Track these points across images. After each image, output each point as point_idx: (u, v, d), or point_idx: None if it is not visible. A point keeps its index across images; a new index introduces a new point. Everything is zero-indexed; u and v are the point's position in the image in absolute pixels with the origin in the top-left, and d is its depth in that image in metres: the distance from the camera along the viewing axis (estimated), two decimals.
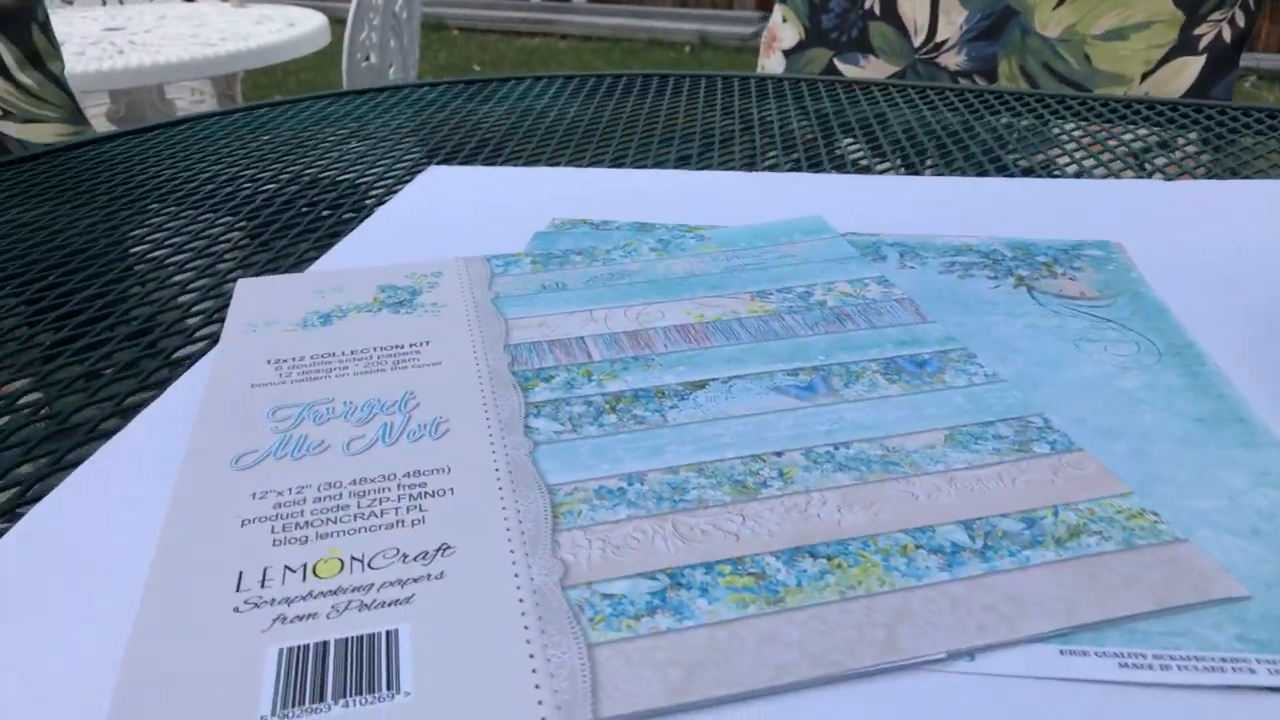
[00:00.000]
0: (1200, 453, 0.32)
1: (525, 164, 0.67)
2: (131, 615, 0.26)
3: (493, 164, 0.67)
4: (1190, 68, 0.92)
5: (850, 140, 0.71)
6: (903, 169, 0.65)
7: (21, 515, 0.31)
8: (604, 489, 0.31)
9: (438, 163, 0.68)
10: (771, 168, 0.65)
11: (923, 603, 0.26)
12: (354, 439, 0.34)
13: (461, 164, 0.67)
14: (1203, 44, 0.91)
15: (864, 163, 0.66)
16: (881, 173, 0.64)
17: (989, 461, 0.32)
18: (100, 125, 1.74)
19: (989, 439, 0.33)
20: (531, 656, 0.24)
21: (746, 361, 0.38)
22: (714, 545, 0.28)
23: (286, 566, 0.28)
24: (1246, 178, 0.61)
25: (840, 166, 0.65)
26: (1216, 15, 0.91)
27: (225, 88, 1.95)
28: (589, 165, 0.66)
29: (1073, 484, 0.31)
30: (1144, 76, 0.93)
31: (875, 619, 0.25)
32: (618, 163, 0.67)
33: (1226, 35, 0.91)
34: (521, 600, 0.26)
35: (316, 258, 0.52)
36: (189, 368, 0.40)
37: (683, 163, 0.66)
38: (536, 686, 0.23)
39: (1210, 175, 0.64)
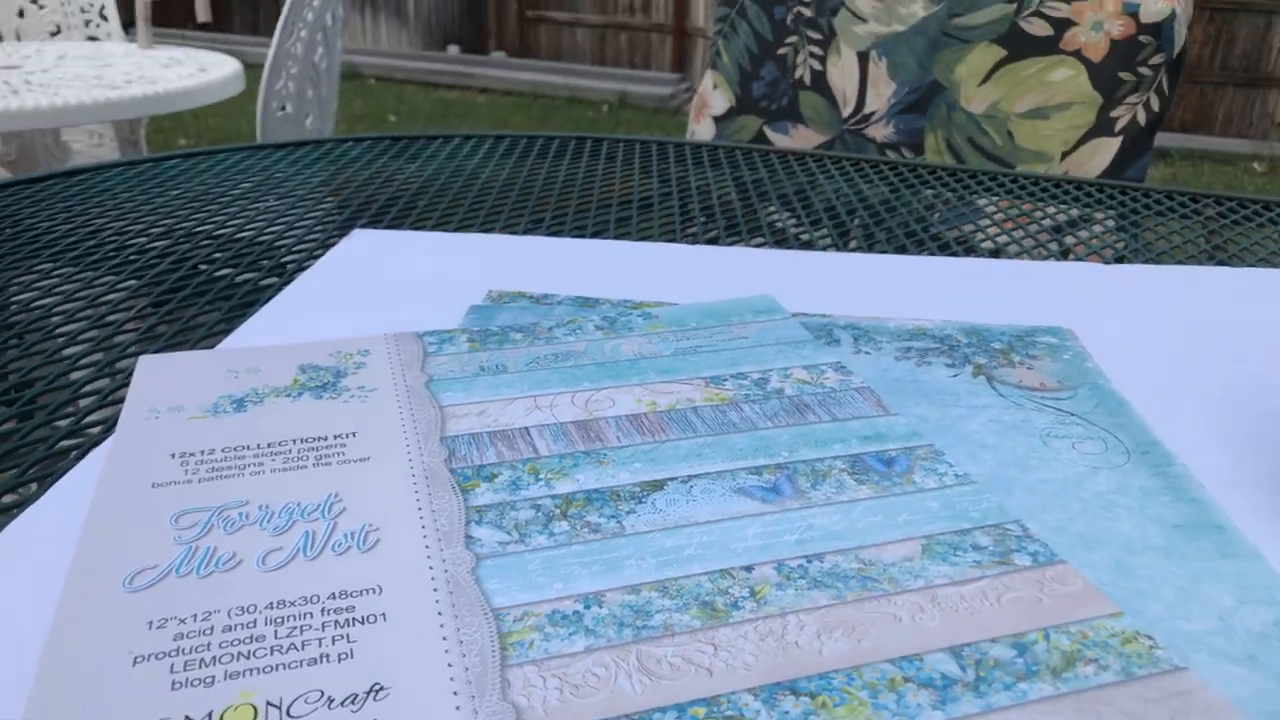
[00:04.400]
0: (1183, 566, 0.31)
1: (455, 228, 0.64)
2: None
3: (420, 227, 0.64)
4: (1107, 149, 0.94)
5: (781, 210, 0.70)
6: (831, 241, 0.64)
7: None
8: (558, 614, 0.27)
9: (362, 225, 0.64)
10: (703, 237, 0.63)
11: None
12: (271, 551, 0.30)
13: (387, 227, 0.64)
14: (1118, 126, 0.94)
15: (796, 234, 0.65)
16: (810, 244, 0.63)
17: (971, 576, 0.30)
18: None
19: (968, 550, 0.31)
20: None
21: (706, 457, 0.35)
22: (685, 683, 0.25)
23: (188, 717, 0.24)
24: (1179, 263, 0.62)
25: (778, 239, 0.64)
26: (1132, 99, 0.94)
27: (128, 133, 1.86)
28: (523, 231, 0.63)
29: (1061, 603, 0.29)
30: (1064, 155, 0.96)
31: None
32: (555, 229, 0.64)
33: (1141, 119, 0.94)
34: None
35: (229, 330, 0.47)
36: (77, 461, 0.35)
37: (622, 229, 0.64)
38: None
39: (1128, 256, 0.64)
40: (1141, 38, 0.93)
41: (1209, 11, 6.13)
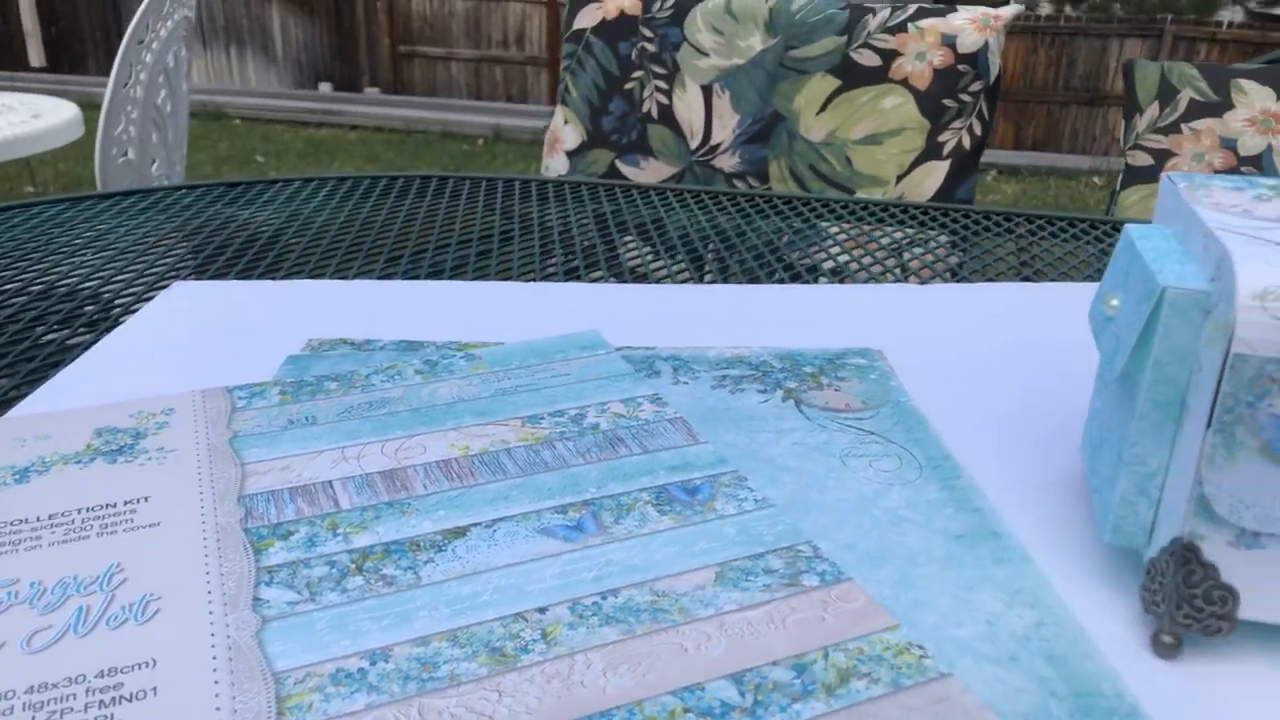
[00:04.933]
0: (960, 574, 0.32)
1: (286, 276, 0.62)
2: None
3: (249, 276, 0.62)
4: (937, 171, 0.99)
5: (631, 242, 0.71)
6: (685, 272, 0.65)
7: None
8: (342, 672, 0.27)
9: (188, 276, 0.62)
10: (555, 273, 0.64)
11: None
12: (38, 631, 0.28)
13: (214, 277, 0.62)
14: (946, 150, 1.00)
15: (646, 268, 0.66)
16: (662, 277, 0.64)
17: (760, 600, 0.30)
18: None
19: (759, 574, 0.32)
20: None
21: (513, 500, 0.35)
22: None
23: None
24: (990, 279, 0.66)
25: (620, 274, 0.65)
26: (957, 124, 0.99)
27: None
28: (356, 276, 0.63)
29: (843, 620, 0.30)
30: (898, 179, 1.00)
31: None
32: (388, 273, 0.63)
33: (966, 142, 1.00)
34: None
35: (24, 395, 0.45)
36: None
37: (459, 270, 0.64)
38: None
39: (959, 275, 0.68)
40: (960, 66, 0.98)
41: (1050, 36, 6.54)
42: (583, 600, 0.30)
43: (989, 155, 5.58)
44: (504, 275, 0.63)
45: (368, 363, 0.47)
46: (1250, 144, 0.96)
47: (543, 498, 0.36)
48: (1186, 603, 0.28)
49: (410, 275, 0.63)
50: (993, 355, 0.50)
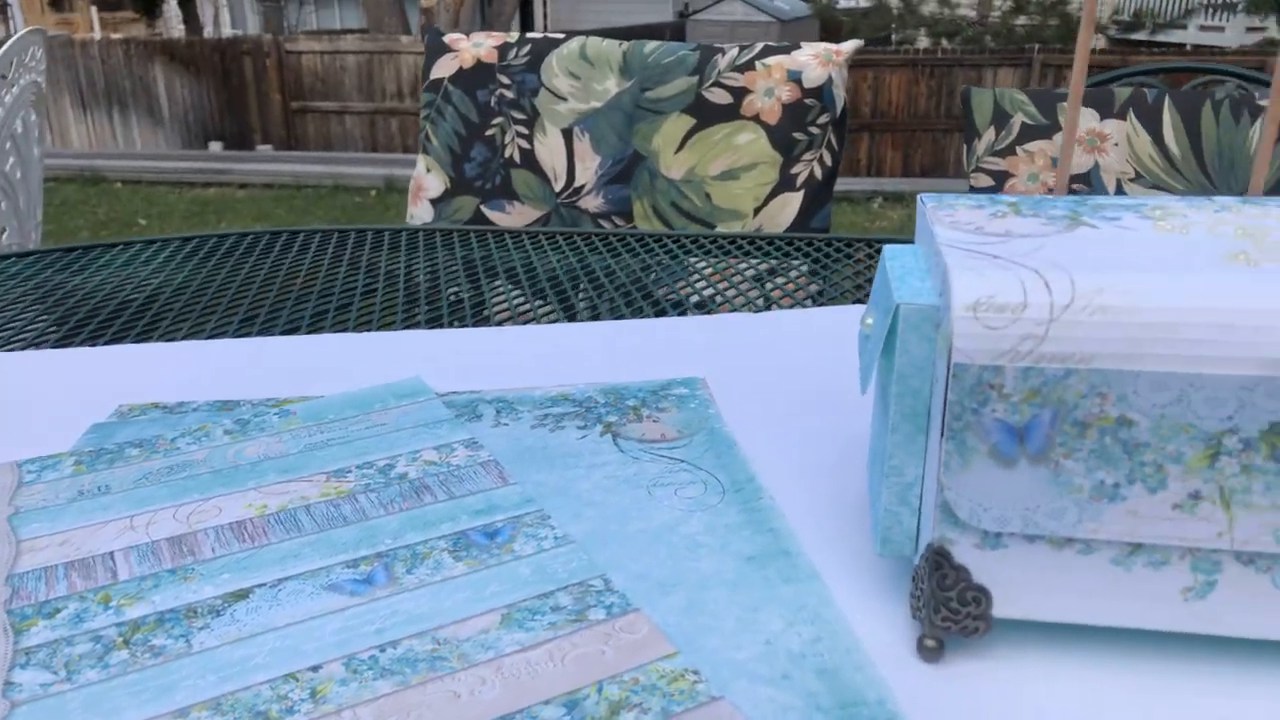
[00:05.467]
0: (748, 595, 0.33)
1: (109, 342, 0.60)
2: None
3: (70, 344, 0.60)
4: (792, 203, 1.02)
5: (500, 287, 0.71)
6: (554, 313, 0.65)
7: None
8: None
9: (25, 346, 0.60)
10: (419, 322, 0.63)
11: None
12: None
13: (28, 348, 0.60)
14: (799, 181, 1.03)
15: (514, 311, 0.66)
16: (530, 320, 0.64)
17: (542, 639, 0.30)
18: None
19: (547, 612, 0.32)
20: None
21: (304, 557, 0.35)
22: None
23: None
24: (852, 304, 0.67)
25: (486, 318, 0.64)
26: (808, 156, 1.03)
27: None
28: (209, 336, 0.61)
29: (623, 652, 0.30)
30: (756, 211, 1.03)
31: None
32: (243, 331, 0.62)
33: (818, 173, 1.03)
34: None
35: None
36: None
37: (317, 324, 0.63)
38: None
39: (820, 301, 0.70)
40: (807, 101, 1.02)
41: (930, 68, 6.83)
42: (359, 655, 0.30)
43: (877, 184, 5.77)
44: (363, 326, 0.63)
45: (177, 426, 0.46)
46: (1079, 162, 1.02)
47: (335, 553, 0.35)
48: (944, 606, 0.29)
49: (265, 332, 0.61)
50: (812, 377, 0.51)
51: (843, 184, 5.66)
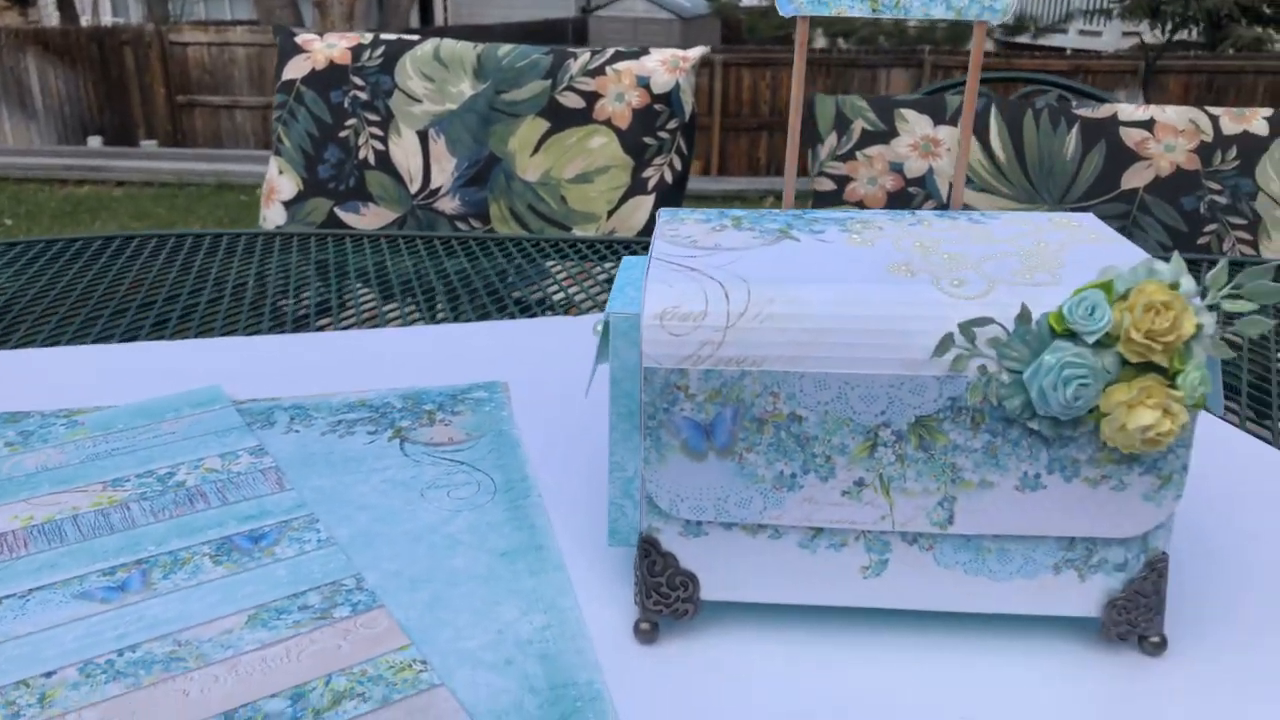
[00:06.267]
0: (492, 589, 0.35)
1: None
2: None
3: None
4: (645, 205, 1.05)
5: (360, 290, 0.72)
6: (417, 314, 0.66)
7: None
8: None
9: None
10: (263, 328, 0.63)
11: None
12: None
13: None
14: (651, 184, 1.05)
15: (354, 312, 0.66)
16: (391, 320, 0.65)
17: (284, 637, 0.32)
18: None
19: (294, 611, 0.33)
20: None
21: (61, 566, 0.35)
22: None
23: None
24: None
25: (338, 322, 0.65)
26: (659, 160, 1.06)
27: None
28: (44, 344, 0.60)
29: (359, 646, 0.31)
30: (609, 214, 1.05)
31: None
32: (78, 338, 0.61)
33: (669, 177, 1.06)
34: None
35: None
36: None
37: (158, 332, 0.62)
38: None
39: None
40: (656, 106, 1.04)
41: (826, 67, 6.99)
42: (96, 660, 0.30)
43: (771, 183, 5.88)
44: (205, 333, 0.62)
45: None
46: (914, 167, 1.07)
47: (94, 561, 0.36)
48: (655, 591, 0.31)
49: (103, 340, 0.61)
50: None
51: (737, 183, 5.75)
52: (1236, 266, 0.77)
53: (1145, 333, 0.26)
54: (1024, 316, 0.28)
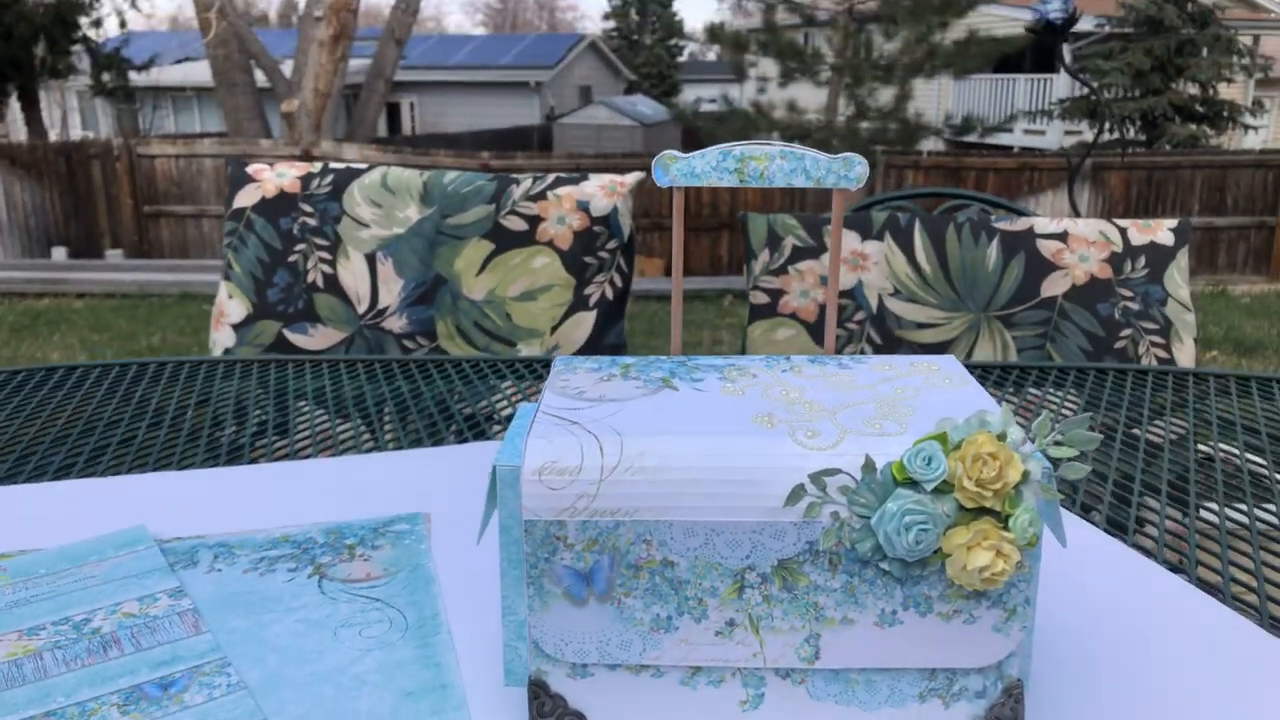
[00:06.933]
0: None
1: None
2: None
3: None
4: (586, 321, 1.08)
5: (307, 412, 0.73)
6: (367, 437, 0.67)
7: None
8: None
9: None
10: (203, 460, 0.64)
11: None
12: None
13: None
14: (592, 301, 1.09)
15: (331, 434, 0.68)
16: (341, 442, 0.66)
17: None
18: None
19: None
20: None
21: None
22: None
23: None
24: None
25: (282, 449, 0.66)
26: (599, 278, 1.09)
27: None
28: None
29: None
30: (553, 329, 1.08)
31: None
32: (36, 475, 0.62)
33: (609, 294, 1.10)
34: None
35: None
36: None
37: (92, 465, 0.63)
38: None
39: None
40: (596, 228, 1.09)
41: None
42: None
43: (729, 282, 5.98)
44: (139, 468, 0.63)
45: None
46: (843, 280, 1.12)
47: (5, 714, 0.36)
48: None
49: (37, 473, 0.61)
50: None
51: (697, 282, 5.86)
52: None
53: (976, 480, 0.29)
54: (868, 466, 0.30)
